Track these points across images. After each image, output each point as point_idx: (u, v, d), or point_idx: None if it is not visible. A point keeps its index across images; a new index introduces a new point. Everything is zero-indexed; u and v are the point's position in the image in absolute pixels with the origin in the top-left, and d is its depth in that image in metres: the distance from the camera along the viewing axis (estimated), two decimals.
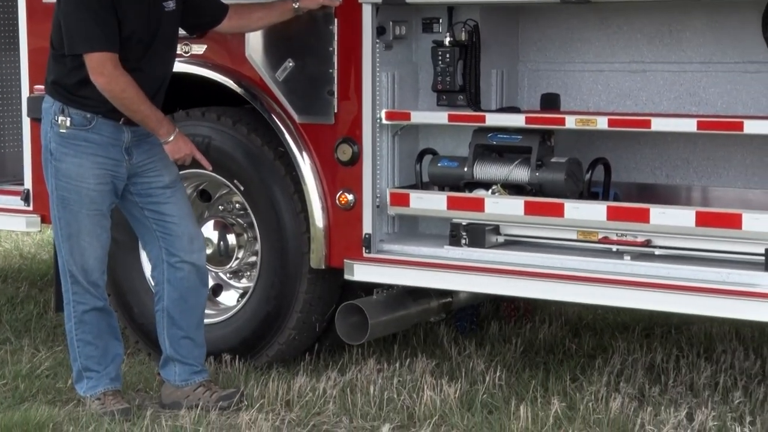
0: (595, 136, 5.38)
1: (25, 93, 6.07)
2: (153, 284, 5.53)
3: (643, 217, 4.88)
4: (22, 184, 6.14)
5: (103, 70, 4.86)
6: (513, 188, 5.24)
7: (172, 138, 5.03)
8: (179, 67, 5.59)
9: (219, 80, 5.70)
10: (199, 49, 5.75)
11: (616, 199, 5.27)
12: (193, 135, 5.69)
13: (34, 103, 5.90)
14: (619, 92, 5.42)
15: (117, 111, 4.96)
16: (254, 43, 5.58)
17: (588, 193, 5.18)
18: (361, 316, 5.35)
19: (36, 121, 5.83)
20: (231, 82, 5.66)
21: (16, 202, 6.16)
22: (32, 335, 6.41)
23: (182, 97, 5.77)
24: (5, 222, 6.28)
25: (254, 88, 5.61)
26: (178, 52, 5.58)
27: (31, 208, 6.13)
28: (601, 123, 4.99)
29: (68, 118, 4.96)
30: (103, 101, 4.92)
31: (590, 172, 5.19)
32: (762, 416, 4.89)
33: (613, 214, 4.95)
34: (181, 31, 5.38)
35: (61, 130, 4.98)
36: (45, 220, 6.07)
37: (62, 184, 4.99)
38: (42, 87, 5.49)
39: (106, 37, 4.84)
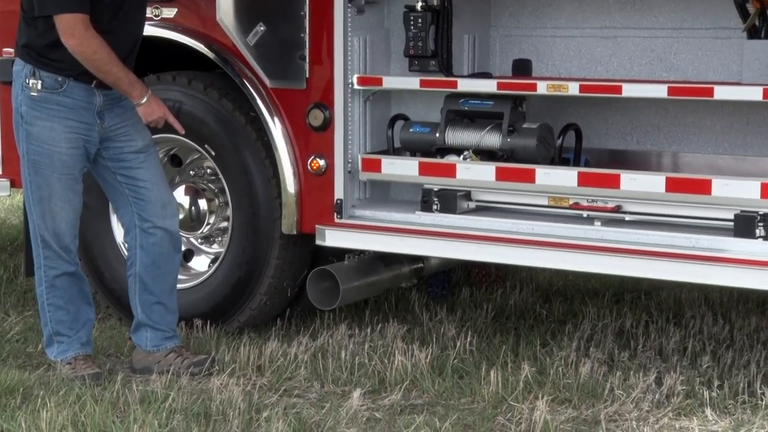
0: (566, 102, 5.39)
1: None
2: (125, 249, 5.51)
3: (614, 183, 4.89)
4: None
5: (74, 31, 4.82)
6: (485, 154, 5.23)
7: (144, 100, 5.01)
8: (150, 30, 5.56)
9: (190, 44, 5.68)
10: (169, 12, 5.71)
11: (587, 165, 5.29)
12: (164, 99, 5.62)
13: (4, 66, 5.85)
14: (591, 58, 5.43)
15: (89, 74, 4.92)
16: (225, 7, 5.53)
17: (559, 159, 5.20)
18: (332, 281, 5.36)
19: (6, 84, 5.76)
20: (202, 46, 5.64)
21: None
22: (2, 300, 6.39)
23: (153, 61, 5.74)
24: None
25: (225, 52, 5.59)
26: (149, 15, 5.55)
27: (0, 172, 6.09)
28: (573, 89, 4.98)
29: (39, 81, 4.92)
30: (75, 64, 4.89)
31: (561, 137, 5.20)
32: (730, 381, 4.94)
33: (583, 180, 4.96)
34: None
35: (32, 93, 4.94)
36: (15, 184, 6.05)
37: (33, 148, 4.96)
38: (12, 50, 5.49)
39: None
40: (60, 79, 4.93)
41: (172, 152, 5.96)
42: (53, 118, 4.94)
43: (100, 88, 4.98)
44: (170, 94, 5.68)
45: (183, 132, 5.22)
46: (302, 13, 5.35)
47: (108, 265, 5.95)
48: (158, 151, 5.51)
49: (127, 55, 5.03)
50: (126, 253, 5.39)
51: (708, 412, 4.61)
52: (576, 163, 5.27)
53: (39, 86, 4.92)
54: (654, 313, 5.98)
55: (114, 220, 5.86)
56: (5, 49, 5.96)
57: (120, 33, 4.97)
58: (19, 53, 5.02)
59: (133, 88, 4.97)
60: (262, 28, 5.47)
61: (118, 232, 5.84)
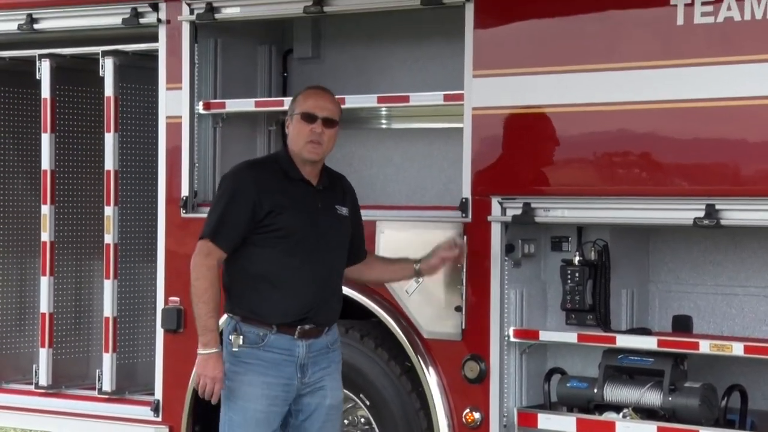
0: (730, 361, 5.04)
1: (160, 304, 5.97)
2: None
3: None
4: (153, 395, 5.99)
5: (197, 252, 4.55)
6: (645, 412, 4.94)
7: (204, 352, 4.51)
8: None
9: (348, 294, 5.47)
10: None
11: (753, 428, 4.91)
12: None
13: (168, 314, 5.85)
14: (755, 317, 5.12)
15: (290, 324, 4.56)
16: None
17: (724, 421, 4.85)
18: None
19: (169, 332, 5.76)
20: (360, 296, 5.46)
21: (145, 412, 5.98)
22: None
23: None
24: None
25: (383, 302, 5.44)
26: None
27: (160, 419, 5.93)
28: (737, 349, 4.73)
29: (241, 336, 4.55)
30: (276, 315, 4.55)
31: (726, 398, 4.87)
32: None
33: None
34: None
35: (234, 349, 4.55)
36: (173, 431, 5.86)
37: (230, 404, 4.57)
38: (176, 299, 5.51)
39: (218, 229, 4.55)
40: (261, 333, 4.55)
41: None
42: (251, 373, 4.53)
43: (303, 339, 4.58)
44: None
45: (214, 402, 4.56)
46: (459, 265, 5.19)
47: None
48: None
49: (321, 298, 4.60)
50: None
51: None
52: (742, 426, 4.89)
53: (240, 341, 4.54)
54: None
55: None
56: (171, 298, 5.91)
57: (313, 273, 4.58)
58: (225, 308, 4.65)
59: (202, 334, 4.51)
60: (419, 279, 5.28)
61: None
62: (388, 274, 5.06)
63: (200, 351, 4.52)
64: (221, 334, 4.58)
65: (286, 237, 4.55)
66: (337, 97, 4.76)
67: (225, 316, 4.64)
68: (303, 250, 4.57)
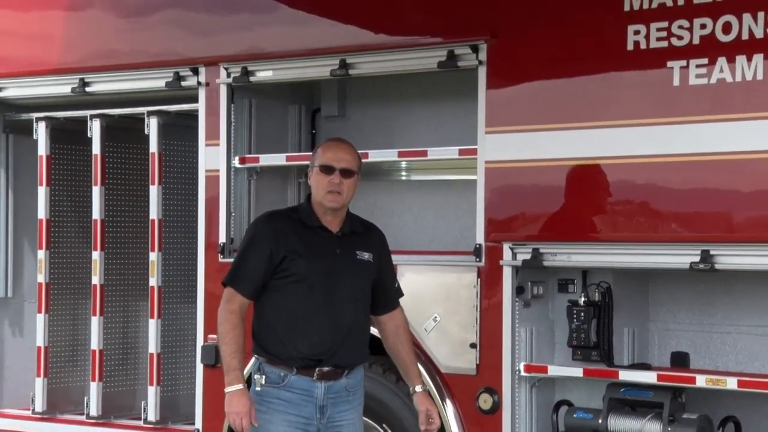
0: (725, 395, 5.09)
1: (200, 342, 6.06)
2: None
3: None
4: (194, 424, 6.06)
5: (222, 299, 4.53)
6: None
7: (229, 389, 4.41)
8: None
9: (373, 332, 5.54)
10: None
11: None
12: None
13: (207, 351, 5.96)
14: (747, 354, 5.16)
15: (309, 366, 4.49)
16: (405, 300, 5.52)
17: None
18: None
19: (208, 367, 5.85)
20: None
21: None
22: None
23: None
24: None
25: None
26: None
27: None
28: (731, 383, 4.80)
29: (263, 376, 4.50)
30: (292, 357, 4.50)
31: (721, 429, 4.96)
32: None
33: None
34: None
35: (257, 388, 4.50)
36: None
37: None
38: (214, 336, 5.57)
39: (239, 276, 4.52)
40: (282, 374, 4.49)
41: None
42: (272, 412, 4.47)
43: (322, 380, 4.50)
44: None
45: None
46: (474, 305, 5.33)
47: None
48: None
49: (343, 341, 4.51)
50: None
51: None
52: None
53: (263, 381, 4.49)
54: None
55: None
56: (210, 336, 5.97)
57: (333, 316, 4.50)
58: (253, 350, 4.59)
59: (227, 373, 4.43)
60: (437, 318, 5.44)
61: None
62: (397, 362, 4.76)
63: (226, 390, 4.44)
64: (250, 376, 4.58)
65: (300, 282, 4.50)
66: (360, 152, 4.72)
67: (253, 358, 4.60)
68: (319, 295, 4.50)
